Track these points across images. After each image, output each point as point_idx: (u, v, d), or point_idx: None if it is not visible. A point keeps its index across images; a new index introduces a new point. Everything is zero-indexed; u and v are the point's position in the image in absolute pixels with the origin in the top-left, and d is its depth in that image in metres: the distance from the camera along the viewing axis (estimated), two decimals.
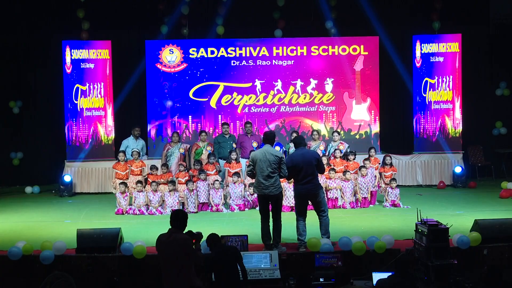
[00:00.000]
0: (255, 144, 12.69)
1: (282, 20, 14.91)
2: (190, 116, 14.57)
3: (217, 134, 13.86)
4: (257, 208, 11.91)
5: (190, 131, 14.48)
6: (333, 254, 8.23)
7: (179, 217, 6.46)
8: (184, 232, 6.47)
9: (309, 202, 9.04)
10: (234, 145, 12.92)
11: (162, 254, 6.46)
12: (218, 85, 14.55)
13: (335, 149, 12.46)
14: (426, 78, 14.62)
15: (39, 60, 15.16)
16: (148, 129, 14.50)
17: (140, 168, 12.45)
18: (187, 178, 12.14)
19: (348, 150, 12.62)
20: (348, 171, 12.05)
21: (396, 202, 11.96)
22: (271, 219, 8.96)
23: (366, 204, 12.05)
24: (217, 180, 12.07)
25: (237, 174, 12.10)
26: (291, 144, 12.70)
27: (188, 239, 6.35)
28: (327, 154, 12.65)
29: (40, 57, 15.14)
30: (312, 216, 11.23)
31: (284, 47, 14.60)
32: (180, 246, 6.29)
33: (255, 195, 11.99)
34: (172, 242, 6.33)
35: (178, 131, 13.75)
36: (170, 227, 6.49)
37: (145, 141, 14.02)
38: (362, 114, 14.70)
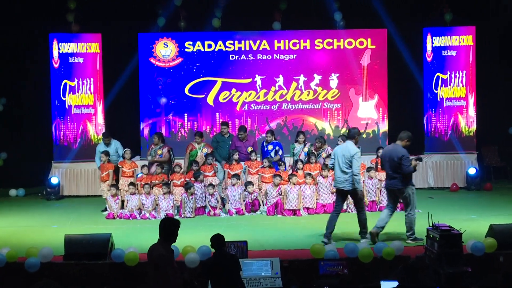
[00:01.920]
0: (250, 149, 12.65)
1: (279, 12, 14.85)
2: (185, 114, 14.56)
3: (214, 133, 13.84)
4: (257, 212, 12.00)
5: (186, 130, 14.47)
6: (339, 261, 8.21)
7: (163, 227, 6.40)
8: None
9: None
10: None
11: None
12: (216, 81, 14.54)
13: None
14: (438, 74, 14.61)
15: (25, 54, 15.12)
16: (141, 127, 14.50)
17: (132, 170, 12.43)
18: (182, 180, 12.13)
19: None
20: None
21: None
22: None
23: (374, 207, 12.04)
24: (211, 184, 12.03)
25: (236, 176, 12.09)
26: (296, 145, 12.71)
27: (160, 257, 6.28)
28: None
29: (25, 51, 15.10)
30: (313, 221, 11.24)
31: (286, 41, 14.60)
32: (152, 259, 6.30)
33: (255, 194, 12.00)
34: (149, 254, 6.37)
35: (160, 132, 13.56)
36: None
37: (139, 140, 13.98)
38: (370, 112, 14.70)
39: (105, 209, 12.12)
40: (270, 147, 12.67)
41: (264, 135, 13.49)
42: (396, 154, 9.40)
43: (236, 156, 12.34)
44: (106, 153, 12.50)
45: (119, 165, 12.48)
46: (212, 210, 11.88)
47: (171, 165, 12.57)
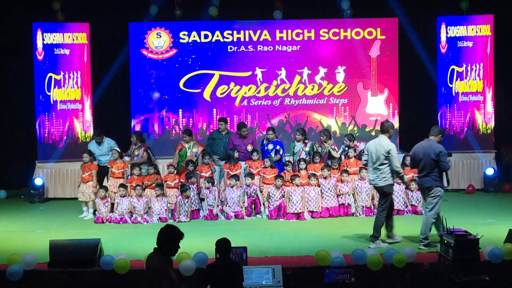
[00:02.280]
0: (249, 148, 12.63)
1: (281, 0, 14.81)
2: (180, 110, 14.57)
3: (212, 131, 13.83)
4: (258, 216, 11.99)
5: (181, 127, 14.45)
6: (345, 269, 8.20)
7: (161, 235, 6.26)
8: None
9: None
10: None
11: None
12: (213, 74, 14.54)
13: (349, 148, 12.43)
14: (453, 66, 14.61)
15: (6, 45, 15.08)
16: (132, 124, 14.49)
17: (122, 170, 12.41)
18: (177, 181, 12.12)
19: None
20: (364, 169, 12.00)
21: (418, 208, 11.95)
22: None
23: None
24: (209, 177, 12.01)
25: (235, 176, 12.07)
26: (296, 143, 12.68)
27: (154, 269, 6.18)
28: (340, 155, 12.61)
29: (6, 42, 15.06)
30: (318, 225, 11.25)
31: (289, 31, 14.58)
32: (147, 269, 6.26)
33: (254, 187, 11.95)
34: (145, 264, 6.30)
35: (139, 131, 13.46)
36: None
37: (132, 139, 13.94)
38: (379, 108, 14.70)
39: (94, 212, 12.12)
40: (270, 146, 12.64)
41: (264, 132, 13.46)
42: (433, 150, 9.52)
43: (237, 155, 12.32)
44: (89, 152, 12.49)
45: (108, 165, 12.47)
46: (208, 211, 11.83)
47: (152, 166, 12.51)
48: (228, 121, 13.63)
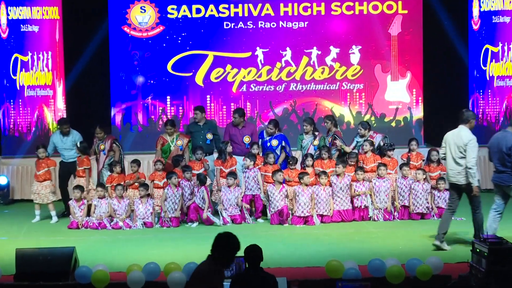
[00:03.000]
0: (247, 140, 12.57)
1: None
2: (168, 97, 14.58)
3: (189, 123, 13.77)
4: (260, 220, 11.97)
5: (169, 116, 14.44)
6: (361, 282, 8.21)
7: (216, 239, 6.32)
8: None
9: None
10: (210, 136, 12.69)
11: None
12: (206, 55, 14.54)
13: (364, 140, 12.40)
14: (487, 46, 14.61)
15: None
16: (112, 114, 14.51)
17: (82, 168, 12.38)
18: (166, 180, 12.07)
19: (385, 143, 12.51)
20: (383, 165, 11.98)
21: None
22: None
23: (405, 214, 12.03)
24: (201, 174, 11.99)
25: (232, 174, 12.04)
26: (305, 136, 12.63)
27: (198, 273, 6.19)
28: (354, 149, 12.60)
29: None
30: (329, 231, 11.26)
31: (295, 4, 14.58)
32: (191, 277, 6.28)
33: (252, 170, 11.95)
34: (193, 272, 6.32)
35: (103, 124, 13.36)
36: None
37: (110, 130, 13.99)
38: (400, 94, 14.71)
39: (67, 215, 12.16)
40: (274, 142, 12.55)
41: (266, 124, 13.40)
42: (505, 143, 9.62)
43: (230, 149, 12.26)
44: (45, 147, 12.55)
45: (77, 162, 12.53)
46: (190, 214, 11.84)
47: (121, 161, 12.51)
48: (226, 109, 13.57)
